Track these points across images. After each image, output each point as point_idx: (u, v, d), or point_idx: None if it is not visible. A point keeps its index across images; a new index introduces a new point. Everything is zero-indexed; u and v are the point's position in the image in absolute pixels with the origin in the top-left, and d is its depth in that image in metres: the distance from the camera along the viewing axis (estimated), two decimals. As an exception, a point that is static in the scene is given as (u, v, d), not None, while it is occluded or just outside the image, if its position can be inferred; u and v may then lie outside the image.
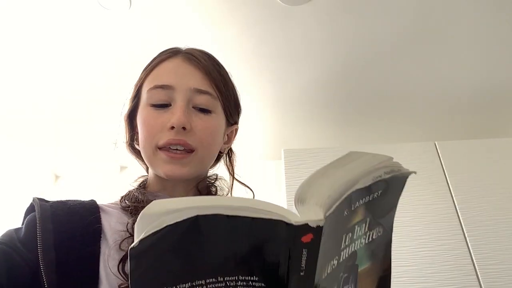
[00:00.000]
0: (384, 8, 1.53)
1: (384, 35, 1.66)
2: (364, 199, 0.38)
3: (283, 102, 2.06)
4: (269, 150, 2.35)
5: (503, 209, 1.61)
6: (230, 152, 0.72)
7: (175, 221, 0.28)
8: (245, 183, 0.69)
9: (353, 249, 0.39)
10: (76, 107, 2.03)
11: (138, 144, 0.64)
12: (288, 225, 0.30)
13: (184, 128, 0.55)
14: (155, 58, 0.64)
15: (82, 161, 2.54)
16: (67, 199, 0.57)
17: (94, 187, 2.54)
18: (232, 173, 0.70)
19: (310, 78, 1.90)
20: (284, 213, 0.31)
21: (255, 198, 0.71)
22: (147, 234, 0.28)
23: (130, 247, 0.28)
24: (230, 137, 0.70)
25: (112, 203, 0.61)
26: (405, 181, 0.43)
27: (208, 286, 0.32)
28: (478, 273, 1.50)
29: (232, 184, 0.69)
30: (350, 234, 0.38)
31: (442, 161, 1.74)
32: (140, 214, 0.29)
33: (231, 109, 0.65)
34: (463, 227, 1.58)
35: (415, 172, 0.42)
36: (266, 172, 2.40)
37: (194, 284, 0.31)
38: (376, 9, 1.53)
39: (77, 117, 2.11)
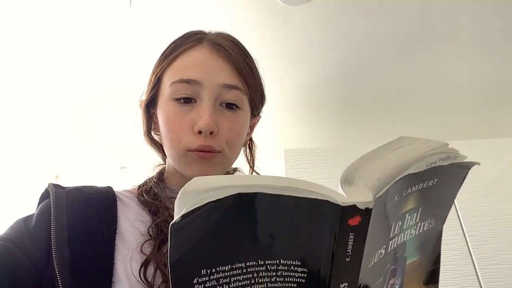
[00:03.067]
0: (384, 8, 1.53)
1: (384, 35, 1.66)
2: (417, 186, 0.35)
3: (283, 102, 2.06)
4: (269, 150, 2.35)
5: (503, 209, 1.61)
6: (250, 143, 0.69)
7: (217, 198, 0.27)
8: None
9: (402, 240, 0.37)
10: (76, 107, 2.03)
11: (156, 134, 0.62)
12: (334, 205, 0.29)
13: (211, 132, 0.53)
14: (177, 45, 0.59)
15: (82, 161, 2.54)
16: (84, 185, 0.55)
17: (94, 187, 2.54)
18: (251, 166, 0.67)
19: (310, 78, 1.90)
20: (330, 193, 0.29)
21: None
22: (188, 210, 0.27)
23: (171, 223, 0.27)
24: (252, 127, 0.67)
25: (129, 191, 0.59)
26: (467, 172, 0.40)
27: (248, 269, 0.30)
28: (478, 273, 1.50)
29: None
30: (400, 223, 0.36)
31: (442, 161, 1.74)
32: (181, 191, 0.28)
33: (257, 101, 0.62)
34: (463, 227, 1.58)
35: (478, 163, 0.39)
36: (266, 172, 2.39)
37: (234, 267, 0.30)
38: (376, 9, 1.53)
39: (77, 117, 2.11)
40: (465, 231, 1.57)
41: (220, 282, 0.30)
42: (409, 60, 1.81)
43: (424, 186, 0.36)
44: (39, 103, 1.97)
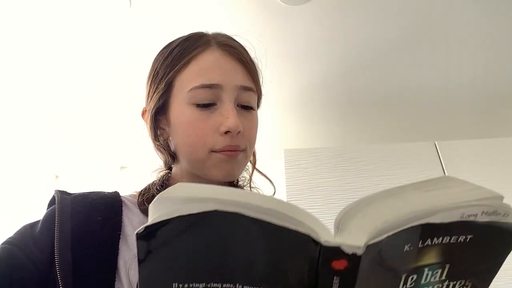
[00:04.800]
0: (384, 8, 1.53)
1: (384, 35, 1.66)
2: (441, 239, 0.29)
3: (283, 102, 2.06)
4: (269, 150, 2.35)
5: (503, 209, 1.61)
6: None
7: (189, 212, 0.25)
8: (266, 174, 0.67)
9: None
10: (76, 107, 2.03)
11: (164, 140, 0.60)
12: (316, 243, 0.25)
13: (238, 132, 0.53)
14: (186, 48, 0.57)
15: (82, 161, 2.54)
16: (90, 191, 0.56)
17: (94, 187, 2.54)
18: (253, 163, 0.67)
19: (310, 78, 1.90)
20: (315, 227, 0.26)
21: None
22: (153, 222, 0.25)
23: (136, 232, 0.26)
24: None
25: (135, 196, 0.59)
26: None
27: None
28: (478, 273, 1.49)
29: (252, 175, 0.67)
30: (414, 276, 0.30)
31: (442, 161, 1.74)
32: (157, 196, 0.26)
33: (260, 98, 0.63)
34: (463, 227, 1.58)
35: None
36: (266, 172, 2.39)
37: (209, 286, 0.27)
38: (376, 9, 1.53)
39: (77, 117, 2.11)
40: (465, 231, 1.57)
41: None
42: (409, 60, 1.81)
43: (451, 241, 0.29)
44: (39, 103, 1.97)
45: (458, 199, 0.28)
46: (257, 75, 0.60)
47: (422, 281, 0.30)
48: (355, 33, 1.64)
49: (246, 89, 0.56)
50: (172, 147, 0.60)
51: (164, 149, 0.62)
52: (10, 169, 2.50)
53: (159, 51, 0.63)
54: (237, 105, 0.56)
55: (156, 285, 0.28)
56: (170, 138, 0.59)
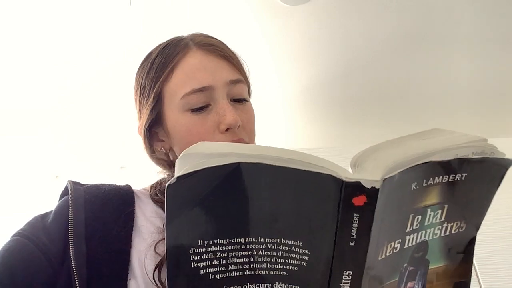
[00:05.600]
0: (384, 8, 1.53)
1: (384, 35, 1.66)
2: (441, 177, 0.32)
3: (282, 102, 2.06)
4: (269, 150, 2.35)
5: (503, 209, 1.61)
6: None
7: (216, 164, 0.26)
8: None
9: (423, 238, 0.34)
10: (76, 106, 2.03)
11: (164, 151, 0.59)
12: (337, 181, 0.27)
13: (238, 126, 0.54)
14: (167, 57, 0.57)
15: (82, 161, 2.54)
16: (102, 183, 0.55)
17: (94, 187, 2.54)
18: None
19: (310, 78, 1.90)
20: (335, 168, 0.28)
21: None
22: (185, 172, 0.26)
23: (167, 184, 0.26)
24: None
25: (144, 189, 0.59)
26: (504, 172, 0.37)
27: (248, 246, 0.29)
28: (478, 273, 1.50)
29: None
30: (419, 217, 0.33)
31: (442, 161, 1.75)
32: (183, 152, 0.27)
33: (250, 87, 0.63)
34: (463, 227, 1.58)
35: None
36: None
37: (232, 241, 0.29)
38: (376, 9, 1.53)
39: (77, 116, 2.11)
40: (465, 231, 1.57)
41: (217, 256, 0.29)
42: (409, 60, 1.81)
43: (450, 180, 0.32)
44: (39, 103, 1.97)
45: (450, 143, 0.32)
46: (241, 64, 0.60)
47: (426, 222, 0.33)
48: (355, 33, 1.64)
49: (235, 82, 0.56)
50: (169, 157, 0.59)
51: (165, 161, 0.60)
52: (10, 169, 2.50)
53: (139, 65, 0.62)
54: (231, 100, 0.56)
55: (183, 243, 0.28)
56: (173, 148, 0.59)
